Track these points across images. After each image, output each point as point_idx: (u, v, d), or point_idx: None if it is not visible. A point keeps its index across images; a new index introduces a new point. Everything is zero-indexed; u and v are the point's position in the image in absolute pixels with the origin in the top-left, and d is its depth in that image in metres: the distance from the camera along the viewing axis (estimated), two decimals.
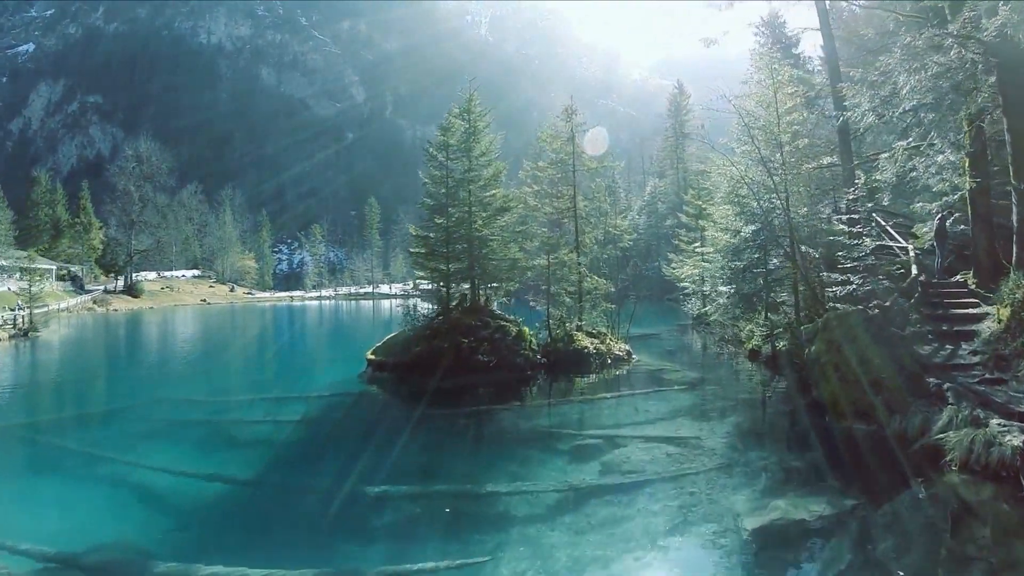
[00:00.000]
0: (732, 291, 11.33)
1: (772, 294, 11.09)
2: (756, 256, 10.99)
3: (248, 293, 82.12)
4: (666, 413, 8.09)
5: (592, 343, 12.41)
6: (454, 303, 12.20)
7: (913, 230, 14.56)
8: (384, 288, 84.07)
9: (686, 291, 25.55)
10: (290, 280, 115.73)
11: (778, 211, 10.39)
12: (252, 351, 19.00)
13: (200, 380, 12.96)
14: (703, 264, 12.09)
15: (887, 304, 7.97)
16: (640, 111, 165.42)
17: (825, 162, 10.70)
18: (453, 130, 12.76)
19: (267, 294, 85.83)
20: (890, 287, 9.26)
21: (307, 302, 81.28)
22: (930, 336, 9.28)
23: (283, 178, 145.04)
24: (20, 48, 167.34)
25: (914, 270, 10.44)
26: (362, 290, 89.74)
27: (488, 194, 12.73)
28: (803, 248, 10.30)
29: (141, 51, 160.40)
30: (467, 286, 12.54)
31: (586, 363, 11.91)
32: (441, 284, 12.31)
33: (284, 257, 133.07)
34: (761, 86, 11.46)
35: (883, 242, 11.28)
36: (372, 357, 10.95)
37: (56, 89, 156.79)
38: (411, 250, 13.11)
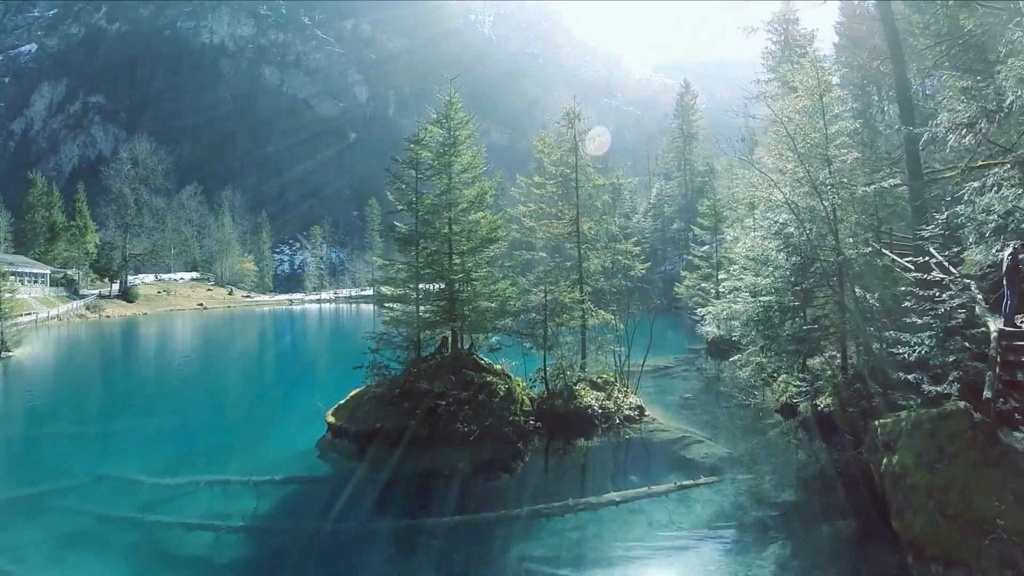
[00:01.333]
0: (767, 339, 9.36)
1: (822, 343, 9.11)
2: (796, 301, 9.03)
3: (247, 296, 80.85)
4: (690, 536, 6.17)
5: (597, 399, 10.48)
6: (432, 351, 10.28)
7: (964, 256, 12.57)
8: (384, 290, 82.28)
9: (700, 312, 23.49)
10: (291, 281, 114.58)
11: (827, 245, 8.44)
12: (221, 391, 17.01)
13: (153, 444, 11.17)
14: (731, 307, 10.07)
15: (990, 395, 6.07)
16: (644, 110, 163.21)
17: (887, 184, 8.62)
18: (426, 142, 10.58)
19: (266, 297, 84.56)
20: (972, 349, 7.30)
21: (306, 306, 79.72)
22: (1017, 415, 7.40)
23: (285, 178, 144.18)
24: (23, 48, 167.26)
25: (991, 323, 8.49)
26: (363, 292, 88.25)
27: (471, 219, 10.49)
28: (857, 291, 8.33)
29: (143, 51, 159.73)
30: (447, 329, 10.36)
31: (590, 425, 9.96)
32: (412, 331, 10.04)
33: (285, 258, 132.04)
34: (805, 90, 9.41)
35: (945, 277, 9.26)
36: (332, 420, 9.17)
37: (58, 89, 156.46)
38: (380, 288, 11.00)
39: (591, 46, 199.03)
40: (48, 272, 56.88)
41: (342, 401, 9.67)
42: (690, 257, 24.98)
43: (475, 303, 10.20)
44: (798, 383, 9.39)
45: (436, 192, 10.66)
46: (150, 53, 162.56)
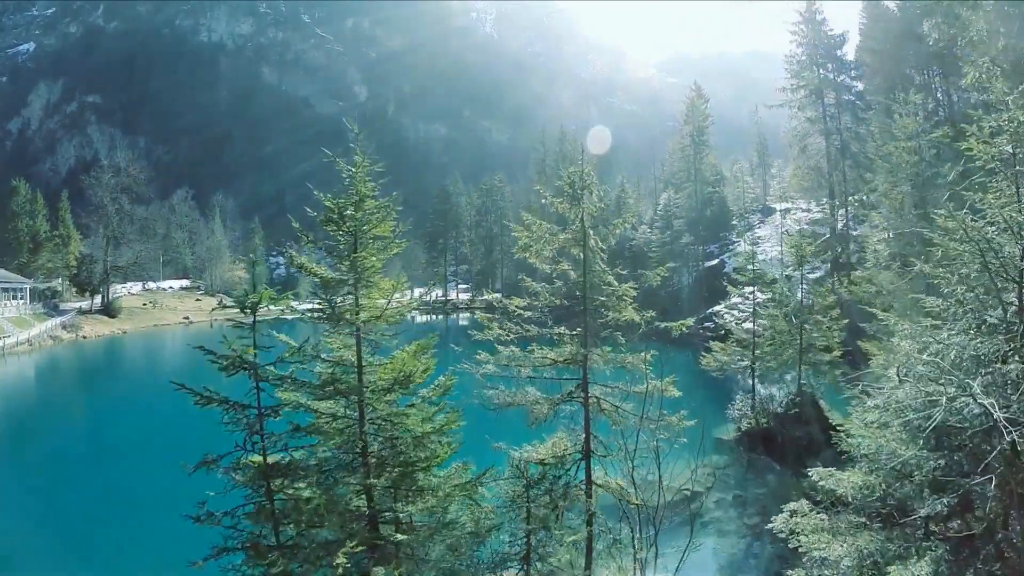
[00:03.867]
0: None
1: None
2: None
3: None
4: None
5: None
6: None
7: None
8: None
9: (729, 363, 18.67)
10: (287, 286, 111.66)
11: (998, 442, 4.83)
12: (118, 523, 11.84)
13: None
14: (825, 546, 6.07)
15: None
16: (647, 110, 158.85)
17: None
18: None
19: None
20: None
21: (299, 316, 76.53)
22: None
23: (284, 179, 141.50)
24: (20, 47, 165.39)
25: None
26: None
27: (395, 414, 5.67)
28: None
29: (141, 50, 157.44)
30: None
31: None
32: None
33: (281, 262, 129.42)
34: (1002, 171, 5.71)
35: None
36: None
37: (55, 89, 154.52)
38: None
39: (594, 43, 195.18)
40: (28, 286, 53.87)
41: None
42: (715, 318, 21.50)
43: (410, 550, 5.74)
44: None
45: (329, 372, 5.67)
46: (148, 52, 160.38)
